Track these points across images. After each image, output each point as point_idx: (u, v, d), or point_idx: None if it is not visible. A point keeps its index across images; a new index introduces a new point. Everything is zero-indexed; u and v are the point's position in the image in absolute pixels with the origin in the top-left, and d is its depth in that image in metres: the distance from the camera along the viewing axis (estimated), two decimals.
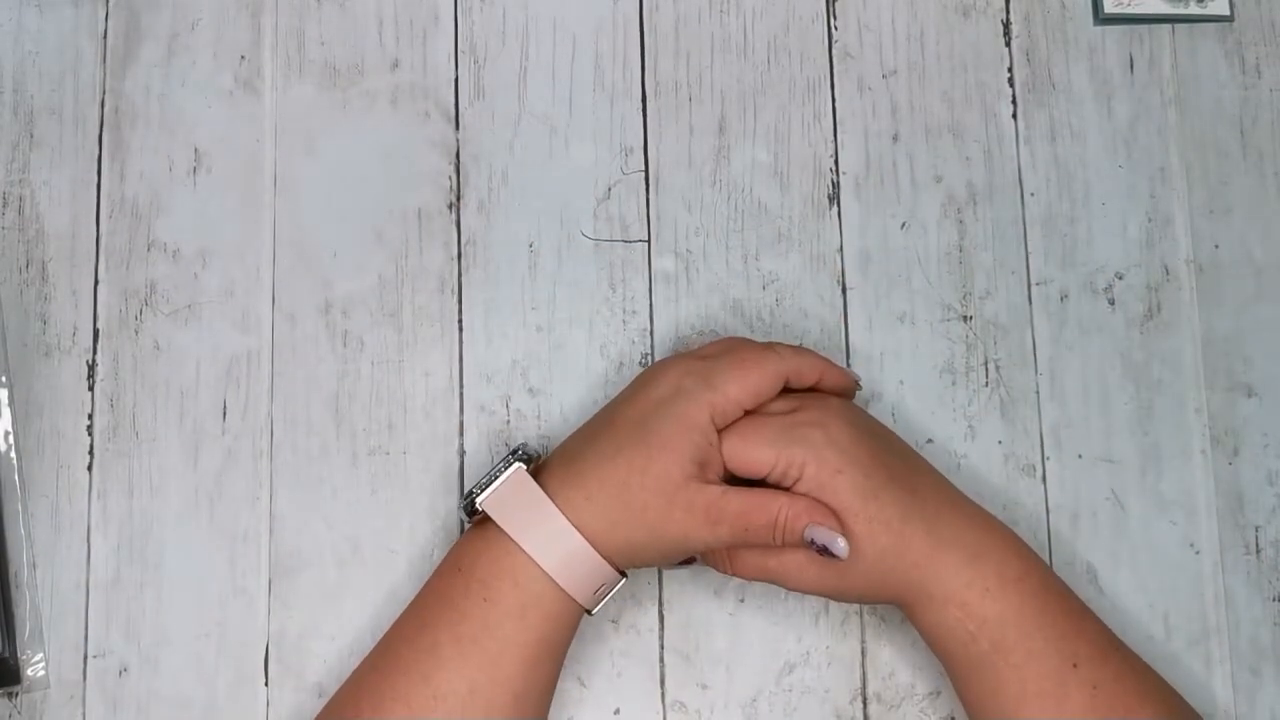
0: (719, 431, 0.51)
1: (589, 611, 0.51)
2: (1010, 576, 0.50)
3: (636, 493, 0.49)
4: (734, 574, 0.52)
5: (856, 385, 0.56)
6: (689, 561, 0.53)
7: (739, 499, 0.50)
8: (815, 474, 0.50)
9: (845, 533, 0.49)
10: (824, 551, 0.49)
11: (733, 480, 0.51)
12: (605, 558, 0.50)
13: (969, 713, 0.51)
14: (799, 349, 0.54)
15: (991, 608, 0.49)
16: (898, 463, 0.52)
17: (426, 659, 0.49)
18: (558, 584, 0.49)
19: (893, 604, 0.52)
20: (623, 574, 0.51)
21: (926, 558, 0.50)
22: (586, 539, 0.49)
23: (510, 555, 0.50)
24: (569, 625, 0.51)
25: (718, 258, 0.60)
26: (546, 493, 0.50)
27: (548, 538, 0.49)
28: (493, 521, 0.50)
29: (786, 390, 0.53)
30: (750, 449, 0.50)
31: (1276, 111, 0.62)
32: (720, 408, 0.50)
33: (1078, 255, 0.61)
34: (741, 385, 0.51)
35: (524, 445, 0.53)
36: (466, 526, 0.55)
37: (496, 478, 0.51)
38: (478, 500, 0.51)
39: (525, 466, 0.51)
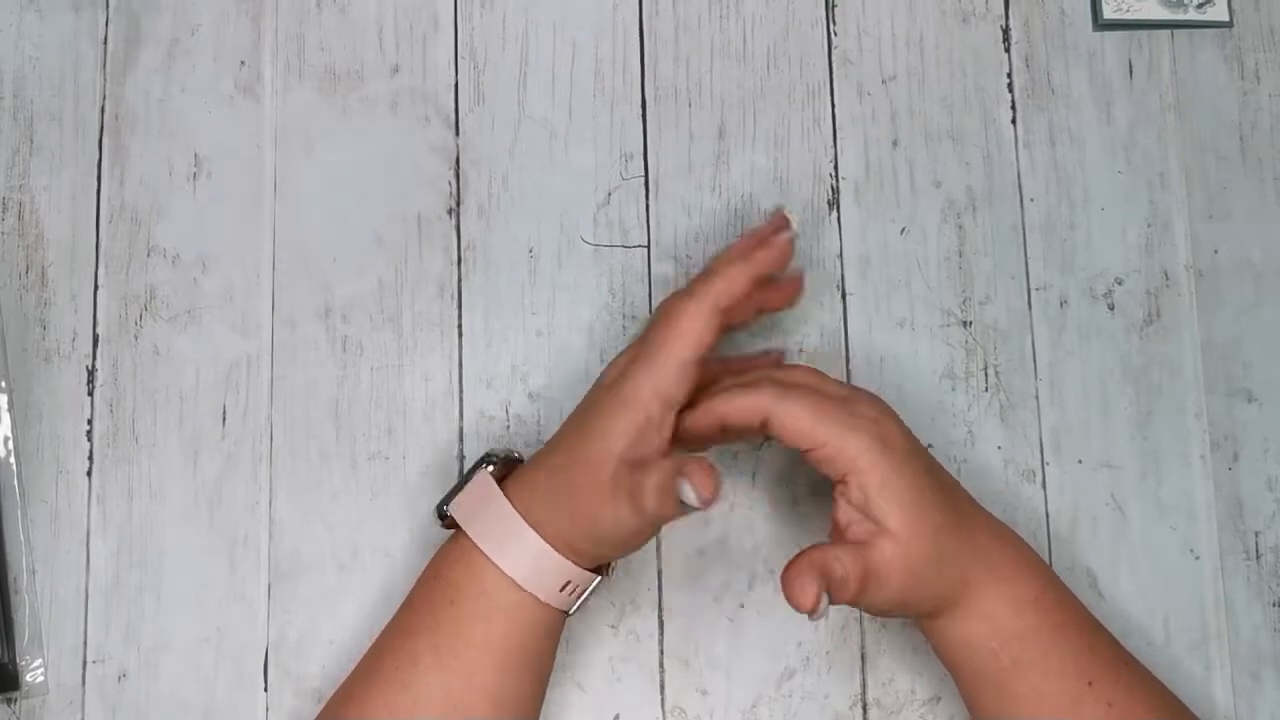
0: (673, 403, 0.49)
1: (567, 612, 0.51)
2: (1031, 594, 0.50)
3: (574, 477, 0.49)
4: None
5: (789, 242, 0.52)
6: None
7: (644, 472, 0.48)
8: (869, 469, 0.48)
9: (890, 541, 0.48)
10: (683, 504, 0.46)
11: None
12: (563, 552, 0.49)
13: None
14: (716, 266, 0.51)
15: (1015, 624, 0.49)
16: (937, 475, 0.51)
17: (407, 667, 0.49)
18: (517, 583, 0.49)
19: (916, 616, 0.51)
20: (598, 572, 0.51)
21: (961, 571, 0.49)
22: (540, 534, 0.49)
23: (473, 557, 0.50)
24: (542, 627, 0.50)
25: None
26: (505, 493, 0.50)
27: (503, 537, 0.49)
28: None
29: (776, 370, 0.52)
30: (808, 423, 0.48)
31: (1276, 117, 0.62)
32: (662, 381, 0.49)
33: (1077, 260, 0.61)
34: (676, 347, 0.49)
35: (494, 449, 0.54)
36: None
37: (467, 482, 0.52)
38: (449, 506, 0.51)
39: (490, 469, 0.51)
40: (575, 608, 0.51)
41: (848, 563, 0.48)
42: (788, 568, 0.47)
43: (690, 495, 0.45)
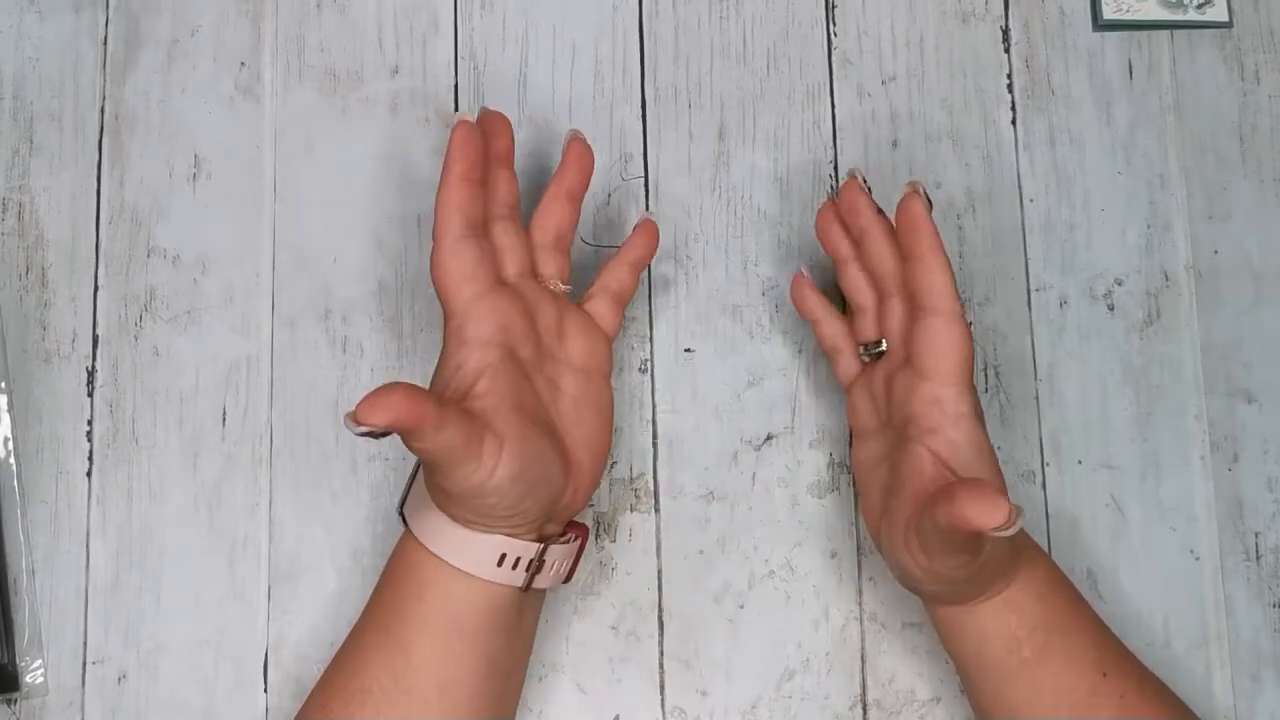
0: (485, 345, 0.49)
1: (523, 588, 0.49)
2: (1047, 585, 0.50)
3: None
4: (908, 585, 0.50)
5: (461, 117, 0.50)
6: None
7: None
8: (966, 429, 0.48)
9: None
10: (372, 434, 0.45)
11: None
12: (475, 525, 0.48)
13: None
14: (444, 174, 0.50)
15: (1040, 612, 0.49)
16: None
17: (358, 655, 0.50)
18: (442, 559, 0.48)
19: (954, 598, 0.50)
20: (540, 542, 0.49)
21: (1009, 557, 0.49)
22: (447, 511, 0.48)
23: (407, 542, 0.50)
24: (482, 603, 0.49)
25: (717, 264, 0.60)
26: None
27: (425, 519, 0.49)
28: None
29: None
30: (961, 343, 0.49)
31: (1275, 117, 0.62)
32: (454, 324, 0.49)
33: (1077, 261, 0.61)
34: (449, 294, 0.49)
35: None
36: None
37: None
38: (404, 508, 0.52)
39: None
40: (529, 582, 0.49)
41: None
42: (960, 496, 0.43)
43: (349, 425, 0.44)
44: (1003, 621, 0.49)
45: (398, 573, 0.50)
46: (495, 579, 0.49)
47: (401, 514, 0.52)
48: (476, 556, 0.48)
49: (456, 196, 0.50)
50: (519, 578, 0.49)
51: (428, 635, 0.49)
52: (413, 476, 0.52)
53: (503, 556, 0.48)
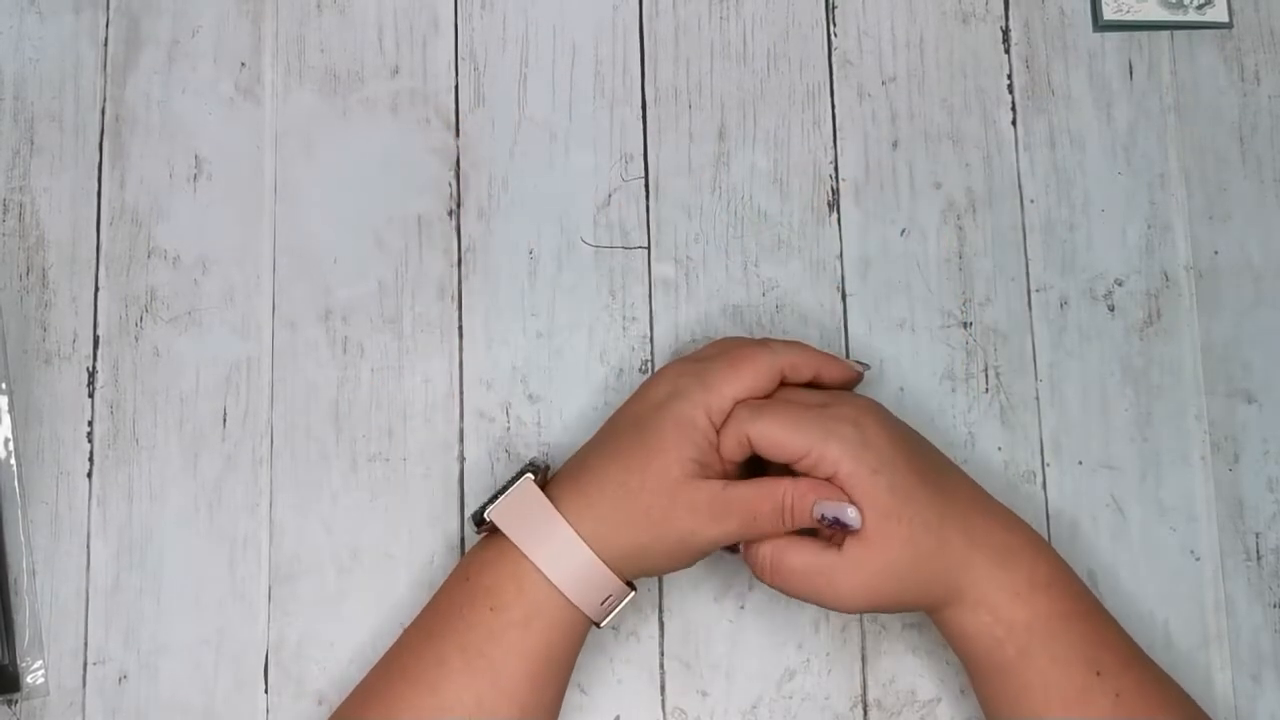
0: (718, 431, 0.51)
1: (597, 624, 0.51)
2: (1040, 582, 0.50)
3: (637, 493, 0.49)
4: (774, 584, 0.51)
5: (859, 376, 0.55)
6: (732, 549, 0.52)
7: (743, 488, 0.50)
8: (852, 471, 0.49)
9: (856, 545, 0.49)
10: (836, 524, 0.49)
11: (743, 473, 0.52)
12: (610, 566, 0.50)
13: (988, 716, 0.51)
14: (794, 344, 0.54)
15: (1021, 612, 0.49)
16: (928, 463, 0.51)
17: (434, 670, 0.49)
18: (562, 592, 0.49)
19: (922, 609, 0.51)
20: (632, 587, 0.51)
21: (963, 559, 0.49)
22: (590, 547, 0.49)
23: (516, 564, 0.50)
24: (574, 637, 0.51)
25: (717, 264, 0.60)
26: (552, 501, 0.50)
27: (551, 545, 0.50)
28: (501, 532, 0.50)
29: (785, 386, 0.53)
30: (784, 435, 0.50)
31: (1275, 118, 0.62)
32: (716, 407, 0.50)
33: (1077, 262, 0.61)
34: (736, 384, 0.51)
35: (535, 458, 0.54)
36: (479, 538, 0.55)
37: (507, 489, 0.51)
38: (487, 511, 0.51)
39: (533, 477, 0.51)
40: (607, 621, 0.52)
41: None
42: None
43: (851, 515, 0.48)
44: (978, 621, 0.49)
45: (497, 595, 0.50)
46: (595, 616, 0.51)
47: (480, 521, 0.51)
48: (595, 594, 0.50)
49: (809, 370, 0.53)
50: (605, 615, 0.51)
51: (525, 663, 0.49)
52: (504, 489, 0.52)
53: (607, 597, 0.50)
